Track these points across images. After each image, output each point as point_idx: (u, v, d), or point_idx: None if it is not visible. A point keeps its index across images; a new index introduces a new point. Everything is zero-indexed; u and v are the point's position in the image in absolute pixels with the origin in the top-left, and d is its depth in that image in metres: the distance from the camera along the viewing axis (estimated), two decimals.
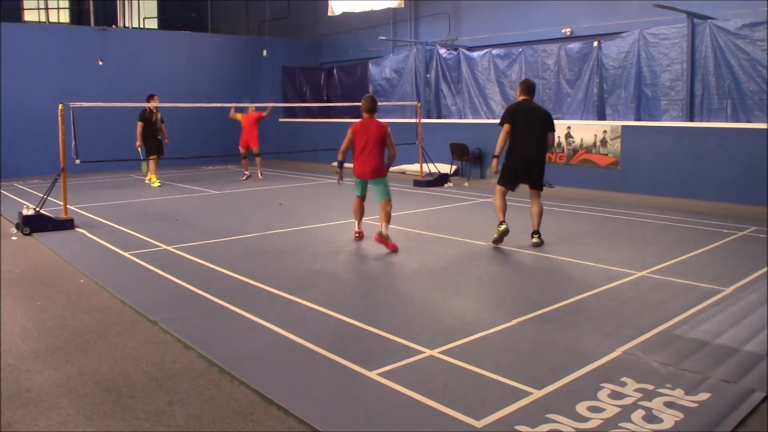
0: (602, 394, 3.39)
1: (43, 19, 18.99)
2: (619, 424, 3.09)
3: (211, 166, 17.37)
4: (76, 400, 3.42)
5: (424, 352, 3.99)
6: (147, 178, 13.26)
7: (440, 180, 12.80)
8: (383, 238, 6.85)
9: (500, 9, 14.92)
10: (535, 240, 7.18)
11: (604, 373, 3.67)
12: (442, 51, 15.71)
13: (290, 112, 19.85)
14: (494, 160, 7.27)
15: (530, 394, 3.40)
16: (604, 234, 7.82)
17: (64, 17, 21.08)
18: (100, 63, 16.20)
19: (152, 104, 12.18)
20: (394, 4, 16.30)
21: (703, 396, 3.38)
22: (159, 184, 12.87)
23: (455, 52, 15.44)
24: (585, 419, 3.13)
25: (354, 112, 17.12)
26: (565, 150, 12.50)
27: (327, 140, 17.13)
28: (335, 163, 7.89)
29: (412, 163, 14.27)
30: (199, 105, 13.16)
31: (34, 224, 8.05)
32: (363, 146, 6.91)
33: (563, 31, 13.75)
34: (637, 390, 3.44)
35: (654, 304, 4.99)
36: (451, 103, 15.71)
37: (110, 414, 3.27)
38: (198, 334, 4.39)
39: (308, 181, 14.00)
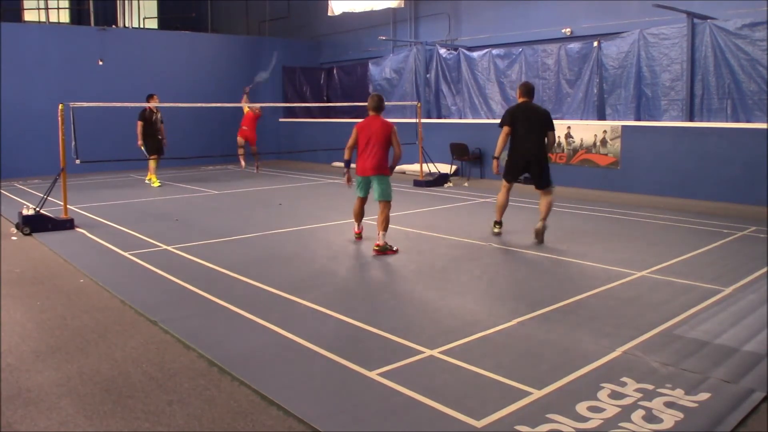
0: (602, 394, 3.39)
1: (43, 19, 18.99)
2: (619, 424, 3.09)
3: (211, 166, 17.37)
4: (76, 400, 3.42)
5: (424, 352, 3.99)
6: (147, 178, 13.26)
7: (440, 180, 12.80)
8: (382, 250, 6.68)
9: (500, 9, 14.92)
10: (539, 226, 7.29)
11: (604, 373, 3.67)
12: (442, 51, 15.71)
13: (290, 112, 19.85)
14: (494, 162, 7.54)
15: (530, 394, 3.40)
16: (604, 234, 7.82)
17: (64, 17, 21.08)
18: (100, 63, 16.20)
19: (152, 104, 12.18)
20: (394, 4, 16.30)
21: (703, 396, 3.38)
22: (159, 184, 12.87)
23: (455, 52, 15.44)
24: (585, 419, 3.13)
25: (354, 112, 17.17)
26: (565, 150, 12.50)
27: (327, 140, 17.16)
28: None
29: (412, 163, 14.27)
30: (199, 105, 13.16)
31: (34, 224, 8.05)
32: (366, 144, 6.83)
33: (563, 31, 13.75)
34: (637, 390, 3.44)
35: (654, 304, 4.99)
36: (451, 103, 15.71)
37: (110, 414, 3.27)
38: (198, 334, 4.39)
39: (308, 181, 14.00)
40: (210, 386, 3.59)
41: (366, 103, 7.12)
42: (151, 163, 12.84)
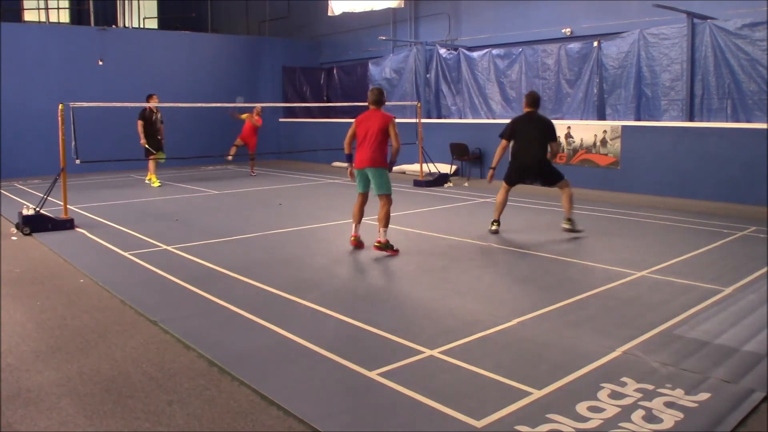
0: (602, 394, 3.39)
1: (43, 19, 18.99)
2: (619, 424, 3.09)
3: (211, 166, 17.37)
4: (76, 400, 3.42)
5: (424, 352, 3.99)
6: (147, 178, 13.26)
7: (440, 180, 12.80)
8: (383, 247, 6.65)
9: (500, 9, 14.92)
10: (566, 225, 7.70)
11: (604, 373, 3.67)
12: (442, 51, 15.71)
13: (290, 112, 19.85)
14: (491, 171, 7.85)
15: (530, 394, 3.40)
16: (604, 234, 7.82)
17: (64, 17, 21.09)
18: (100, 63, 16.20)
19: (152, 104, 12.18)
20: (394, 4, 16.30)
21: (703, 396, 3.38)
22: (159, 184, 12.87)
23: (455, 52, 15.44)
24: (585, 419, 3.13)
25: (354, 112, 17.09)
26: (565, 150, 12.50)
27: (327, 140, 17.16)
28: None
29: (412, 163, 14.27)
30: (199, 105, 13.18)
31: (34, 224, 8.05)
32: (363, 137, 6.74)
33: (563, 31, 13.75)
34: (637, 390, 3.44)
35: (654, 304, 4.99)
36: (451, 103, 15.71)
37: (110, 414, 3.27)
38: (198, 334, 4.39)
39: (308, 181, 14.01)
40: (210, 386, 3.59)
41: (366, 103, 7.08)
42: (151, 163, 12.84)
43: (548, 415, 3.16)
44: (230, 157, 14.98)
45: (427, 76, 16.09)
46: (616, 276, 5.80)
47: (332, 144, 16.13)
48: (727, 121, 10.68)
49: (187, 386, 3.58)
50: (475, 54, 14.84)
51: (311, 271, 6.14)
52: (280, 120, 19.67)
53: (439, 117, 15.99)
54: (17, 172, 14.53)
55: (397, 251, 6.72)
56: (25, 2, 19.68)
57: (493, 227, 7.76)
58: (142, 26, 21.35)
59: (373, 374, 3.67)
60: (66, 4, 20.82)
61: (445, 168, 13.73)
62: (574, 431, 3.03)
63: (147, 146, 12.33)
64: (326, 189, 12.69)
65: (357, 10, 17.00)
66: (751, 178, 9.83)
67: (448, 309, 4.92)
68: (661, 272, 5.93)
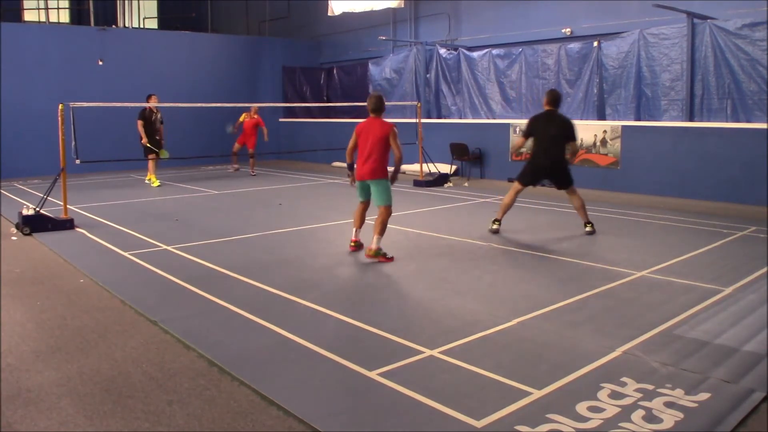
0: (602, 394, 3.39)
1: (43, 19, 18.99)
2: (619, 424, 3.09)
3: (211, 166, 17.36)
4: (76, 400, 3.42)
5: (424, 352, 3.99)
6: (147, 178, 13.26)
7: (440, 180, 12.80)
8: (375, 254, 6.41)
9: (500, 9, 14.92)
10: (588, 229, 7.71)
11: (604, 373, 3.67)
12: (442, 51, 15.71)
13: (290, 112, 19.85)
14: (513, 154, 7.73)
15: (530, 394, 3.40)
16: (604, 234, 7.81)
17: (64, 17, 21.09)
18: (100, 63, 16.20)
19: (151, 104, 12.17)
20: (394, 4, 16.30)
21: (703, 396, 3.38)
22: (159, 184, 12.87)
23: (455, 52, 15.44)
24: (585, 419, 3.13)
25: (354, 112, 17.16)
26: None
27: (327, 140, 17.19)
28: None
29: (412, 163, 14.27)
30: (199, 105, 13.18)
31: (34, 224, 8.04)
32: (363, 146, 6.61)
33: (563, 31, 13.75)
34: (637, 390, 3.44)
35: (654, 304, 4.99)
36: (451, 103, 15.71)
37: (110, 414, 3.27)
38: (198, 334, 4.39)
39: (308, 181, 14.01)
40: (210, 386, 3.59)
41: (366, 104, 6.93)
42: (151, 163, 12.85)
43: (548, 415, 3.16)
44: (236, 168, 15.29)
45: (427, 76, 16.09)
46: (616, 276, 5.80)
47: (332, 144, 16.16)
48: (727, 121, 10.68)
49: (187, 386, 3.58)
50: (475, 54, 14.84)
51: (311, 271, 6.14)
52: (280, 120, 19.65)
53: (439, 117, 15.99)
54: (17, 172, 14.53)
55: (391, 258, 6.47)
56: (25, 2, 19.67)
57: (494, 226, 7.76)
58: (142, 26, 21.35)
59: (373, 374, 3.67)
60: (66, 4, 20.81)
61: (445, 168, 13.73)
62: (574, 431, 3.03)
63: (148, 145, 12.33)
64: (326, 189, 12.69)
65: (357, 10, 16.99)
66: (751, 178, 9.83)
67: (448, 309, 4.92)
68: (661, 272, 5.93)
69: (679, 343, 4.14)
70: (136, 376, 3.72)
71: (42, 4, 18.95)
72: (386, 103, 7.01)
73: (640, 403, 3.30)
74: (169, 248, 7.11)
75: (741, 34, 10.39)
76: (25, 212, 8.18)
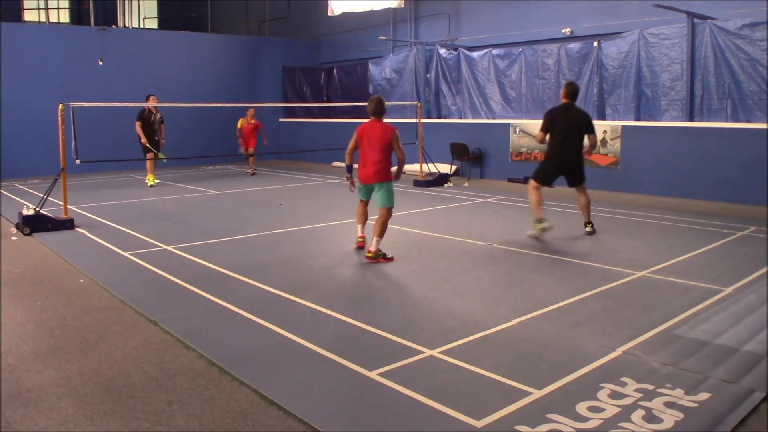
0: (602, 394, 3.39)
1: (43, 19, 18.99)
2: (619, 424, 3.09)
3: (211, 166, 17.37)
4: (76, 400, 3.42)
5: (424, 352, 3.99)
6: (147, 178, 13.23)
7: (440, 180, 12.80)
8: (375, 257, 6.39)
9: (500, 9, 14.92)
10: (588, 229, 7.62)
11: (604, 373, 3.67)
12: (442, 51, 15.71)
13: (290, 112, 19.85)
14: (539, 136, 7.61)
15: (530, 394, 3.40)
16: (604, 234, 7.81)
17: (64, 17, 21.09)
18: (100, 63, 16.20)
19: (150, 104, 12.16)
20: (394, 4, 16.30)
21: (703, 396, 3.38)
22: (153, 183, 12.85)
23: (455, 52, 15.44)
24: (585, 419, 3.13)
25: (354, 112, 17.18)
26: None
27: (327, 140, 17.18)
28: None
29: (412, 163, 14.25)
30: (199, 105, 13.18)
31: (34, 224, 8.05)
32: (365, 150, 6.57)
33: (563, 31, 13.75)
34: (637, 390, 3.44)
35: (654, 304, 4.99)
36: (451, 103, 15.71)
37: (110, 414, 3.27)
38: (198, 334, 4.39)
39: (308, 181, 14.01)
40: (210, 386, 3.59)
41: (366, 104, 6.91)
42: (148, 163, 12.87)
43: (548, 415, 3.16)
44: (253, 170, 15.34)
45: (427, 76, 16.09)
46: (616, 276, 5.80)
47: (332, 144, 16.15)
48: (727, 121, 10.68)
49: (187, 386, 3.58)
50: (475, 54, 14.85)
51: (311, 271, 6.14)
52: (280, 120, 19.67)
53: (439, 117, 15.99)
54: (17, 172, 14.53)
55: (391, 258, 6.46)
56: (25, 2, 19.68)
57: (544, 225, 7.22)
58: (142, 26, 21.35)
59: (373, 374, 3.67)
60: (66, 4, 20.82)
61: (445, 168, 13.73)
62: (574, 431, 3.03)
63: (147, 145, 12.33)
64: (326, 189, 12.69)
65: (357, 10, 17.00)
66: (751, 178, 9.83)
67: (448, 309, 4.92)
68: (661, 272, 5.93)
69: (679, 343, 4.14)
70: (136, 376, 3.72)
71: (42, 4, 18.96)
72: (386, 103, 6.98)
73: (640, 403, 3.30)
74: (169, 248, 7.11)
75: (741, 34, 10.39)
76: (25, 212, 8.18)
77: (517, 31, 14.56)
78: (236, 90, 18.36)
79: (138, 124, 12.33)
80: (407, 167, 14.45)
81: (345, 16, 17.60)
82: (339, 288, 5.69)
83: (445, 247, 7.13)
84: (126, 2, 20.26)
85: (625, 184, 11.53)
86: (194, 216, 9.46)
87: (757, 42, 10.22)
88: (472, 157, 13.97)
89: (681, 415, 3.17)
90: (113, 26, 18.45)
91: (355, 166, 6.88)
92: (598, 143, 7.54)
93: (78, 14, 21.13)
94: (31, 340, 4.35)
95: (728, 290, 5.32)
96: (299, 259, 6.64)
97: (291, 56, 19.94)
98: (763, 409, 3.29)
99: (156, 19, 22.74)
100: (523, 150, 13.30)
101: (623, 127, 11.66)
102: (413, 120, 14.25)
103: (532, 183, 7.53)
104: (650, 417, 3.16)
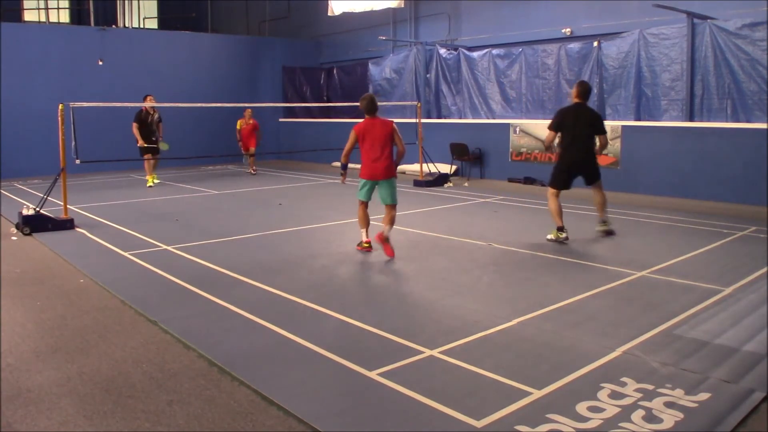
0: (602, 394, 3.39)
1: (43, 19, 19.00)
2: (619, 424, 3.09)
3: (211, 166, 17.38)
4: (76, 400, 3.42)
5: (424, 352, 3.99)
6: (147, 178, 13.21)
7: (440, 180, 12.80)
8: (384, 240, 6.58)
9: (500, 9, 14.92)
10: (603, 228, 7.51)
11: (604, 373, 3.67)
12: (442, 51, 15.71)
13: (290, 112, 19.86)
14: (550, 135, 7.48)
15: (530, 394, 3.40)
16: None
17: (64, 17, 21.10)
18: (100, 63, 16.20)
19: (148, 104, 12.14)
20: (394, 4, 16.31)
21: (703, 396, 3.38)
22: (152, 184, 12.85)
23: (455, 52, 15.44)
24: (585, 419, 3.13)
25: (354, 112, 17.15)
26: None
27: (327, 140, 17.16)
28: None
29: (412, 163, 14.26)
30: (199, 105, 13.19)
31: (34, 224, 8.05)
32: (370, 147, 6.58)
33: (563, 31, 13.75)
34: (637, 390, 3.44)
35: (654, 304, 4.99)
36: (451, 103, 15.71)
37: (110, 414, 3.27)
38: (198, 334, 4.39)
39: (308, 181, 14.01)
40: (210, 386, 3.59)
41: (359, 105, 6.84)
42: (147, 164, 12.87)
43: (548, 415, 3.16)
44: (254, 169, 15.48)
45: (427, 76, 16.09)
46: (616, 276, 5.80)
47: (332, 144, 16.13)
48: (727, 121, 10.68)
49: (187, 386, 3.58)
50: (475, 54, 14.85)
51: (311, 271, 6.14)
52: (280, 120, 19.67)
53: (439, 117, 15.99)
54: (17, 172, 14.53)
55: (393, 254, 6.56)
56: (25, 2, 19.68)
57: (562, 235, 7.18)
58: (142, 26, 21.35)
59: (373, 374, 3.67)
60: (66, 4, 20.82)
61: (445, 168, 13.72)
62: (574, 431, 3.03)
63: (145, 146, 12.33)
64: (326, 189, 12.69)
65: (357, 10, 17.00)
66: (751, 178, 9.83)
67: (448, 309, 4.92)
68: (661, 272, 5.93)
69: (679, 343, 4.14)
70: (136, 376, 3.72)
71: (42, 4, 18.97)
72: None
73: (640, 403, 3.30)
74: (169, 248, 7.11)
75: (741, 34, 10.39)
76: (25, 212, 8.18)
77: (517, 31, 14.56)
78: (236, 90, 18.37)
79: (135, 125, 12.32)
80: (407, 167, 14.48)
81: (345, 16, 17.60)
82: (339, 288, 5.69)
83: (445, 247, 7.13)
84: (126, 2, 20.27)
85: (625, 184, 11.52)
86: (194, 216, 9.46)
87: (757, 42, 10.22)
88: (472, 157, 13.97)
89: (681, 415, 3.17)
90: (113, 26, 18.45)
91: (354, 165, 6.90)
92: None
93: (78, 14, 21.13)
94: (31, 340, 4.35)
95: (728, 290, 5.32)
96: (299, 259, 6.64)
97: (291, 56, 19.94)
98: (763, 409, 3.29)
99: (156, 19, 22.75)
100: (523, 150, 13.30)
101: (623, 127, 11.65)
102: (413, 120, 14.25)
103: (550, 191, 7.44)
104: (650, 417, 3.16)
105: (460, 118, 15.38)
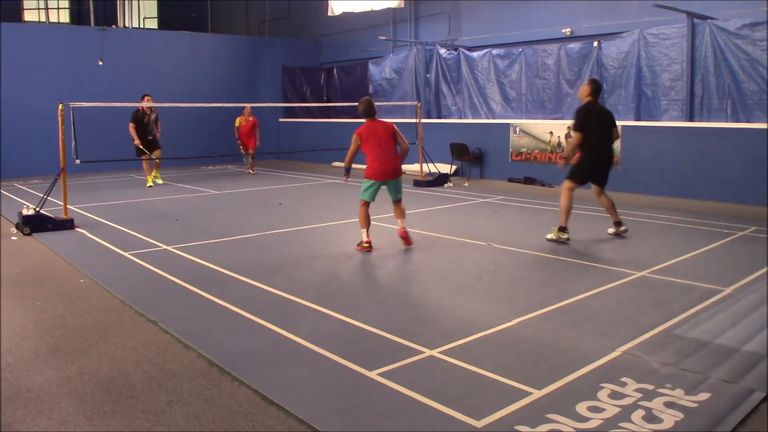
0: (602, 394, 3.39)
1: (43, 19, 19.01)
2: (619, 424, 3.09)
3: (211, 166, 17.38)
4: (76, 400, 3.42)
5: (424, 352, 3.99)
6: (147, 181, 13.17)
7: (440, 180, 12.80)
8: (406, 233, 7.03)
9: (500, 9, 14.92)
10: (623, 228, 7.56)
11: (604, 373, 3.67)
12: (442, 51, 15.72)
13: (290, 112, 19.86)
14: (563, 161, 7.58)
15: (530, 394, 3.40)
16: (604, 234, 7.81)
17: (64, 17, 21.10)
18: (100, 63, 16.20)
19: (145, 104, 12.12)
20: (394, 4, 16.31)
21: (703, 396, 3.38)
22: (151, 183, 12.85)
23: (455, 52, 15.44)
24: (585, 419, 3.13)
25: (354, 112, 17.11)
26: (565, 150, 12.50)
27: (327, 140, 17.18)
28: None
29: (412, 163, 14.26)
30: (199, 105, 13.18)
31: (34, 224, 8.05)
32: (376, 149, 6.79)
33: (563, 31, 13.75)
34: (637, 390, 3.44)
35: (654, 304, 4.99)
36: (451, 103, 15.71)
37: (110, 414, 3.27)
38: (198, 334, 4.39)
39: (308, 181, 14.01)
40: (210, 386, 3.59)
41: (359, 108, 7.01)
42: (145, 164, 12.87)
43: (548, 415, 3.16)
44: (253, 170, 15.55)
45: (427, 76, 16.09)
46: (616, 276, 5.80)
47: (332, 144, 16.15)
48: (727, 121, 10.68)
49: (187, 386, 3.58)
50: (475, 54, 14.85)
51: (311, 271, 6.14)
52: (280, 120, 19.67)
53: (439, 117, 15.99)
54: (17, 172, 14.53)
55: (411, 242, 7.06)
56: (25, 2, 19.69)
57: (564, 236, 7.20)
58: (142, 26, 21.36)
59: (373, 374, 3.67)
60: (66, 4, 20.83)
61: (445, 168, 13.73)
62: (574, 431, 3.03)
63: (141, 146, 12.31)
64: (326, 189, 12.69)
65: (357, 10, 17.00)
66: (751, 178, 9.83)
67: (448, 309, 4.92)
68: (661, 272, 5.93)
69: (679, 343, 4.14)
70: (136, 376, 3.72)
71: (42, 4, 18.97)
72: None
73: (640, 403, 3.30)
74: (169, 248, 7.11)
75: (741, 34, 10.39)
76: (25, 212, 8.18)
77: (517, 31, 14.56)
78: (236, 90, 18.37)
79: (132, 125, 12.30)
80: (407, 167, 14.44)
81: (345, 16, 17.60)
82: (339, 288, 5.69)
83: (445, 247, 7.13)
84: (126, 2, 20.27)
85: (625, 184, 11.52)
86: (194, 216, 9.46)
87: (757, 42, 10.22)
88: (472, 157, 13.97)
89: (681, 415, 3.17)
90: (113, 26, 18.45)
91: (357, 165, 6.96)
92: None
93: (78, 14, 21.13)
94: (31, 340, 4.35)
95: (728, 290, 5.32)
96: (299, 259, 6.64)
97: (291, 56, 19.95)
98: (763, 409, 3.29)
99: (156, 19, 22.75)
100: (523, 150, 13.30)
101: (623, 127, 11.61)
102: (413, 120, 14.25)
103: (568, 184, 7.34)
104: (650, 417, 3.16)
105: (460, 118, 15.38)
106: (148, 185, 12.77)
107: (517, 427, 3.05)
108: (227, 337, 4.35)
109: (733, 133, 10.29)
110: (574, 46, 12.87)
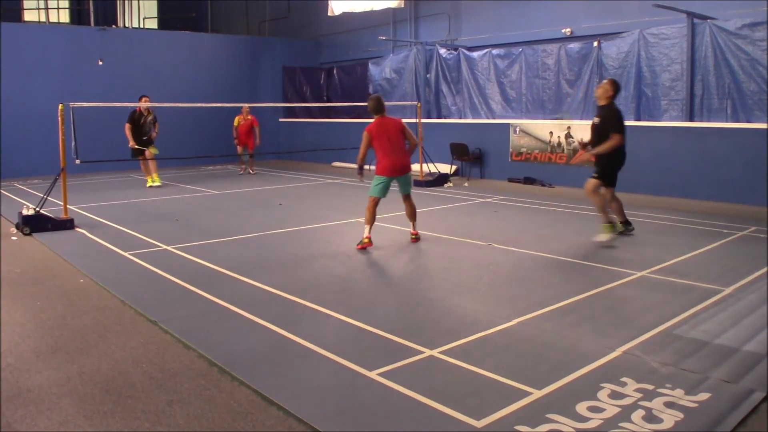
0: (602, 394, 3.39)
1: (43, 19, 19.01)
2: (619, 424, 3.09)
3: (211, 166, 17.37)
4: (76, 400, 3.42)
5: (424, 352, 3.99)
6: (148, 182, 13.15)
7: (440, 180, 12.80)
8: (418, 238, 7.29)
9: (500, 9, 14.92)
10: (630, 228, 7.65)
11: (604, 373, 3.67)
12: (442, 51, 15.71)
13: (290, 112, 19.86)
14: (587, 155, 7.45)
15: (530, 394, 3.40)
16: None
17: (64, 17, 21.10)
18: (100, 63, 16.20)
19: (143, 104, 12.11)
20: (394, 4, 16.31)
21: (703, 396, 3.38)
22: (152, 183, 12.84)
23: (455, 52, 15.44)
24: (585, 419, 3.13)
25: (354, 112, 17.16)
26: (565, 150, 12.50)
27: (327, 140, 17.18)
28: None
29: (412, 162, 14.24)
30: (199, 105, 13.17)
31: (34, 224, 8.05)
32: (387, 145, 6.91)
33: (563, 31, 13.75)
34: (637, 390, 3.44)
35: (654, 304, 4.99)
36: (451, 103, 15.71)
37: (110, 414, 3.27)
38: (198, 334, 4.39)
39: (308, 181, 14.01)
40: (210, 386, 3.59)
41: (366, 104, 7.14)
42: (143, 164, 12.86)
43: (548, 415, 3.16)
44: (243, 168, 15.61)
45: (427, 76, 16.09)
46: (616, 276, 5.80)
47: (332, 144, 16.15)
48: (727, 121, 10.67)
49: (187, 386, 3.58)
50: (475, 54, 14.84)
51: (311, 271, 6.14)
52: (280, 120, 19.67)
53: (439, 117, 15.99)
54: (17, 172, 14.53)
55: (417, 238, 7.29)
56: (25, 2, 19.69)
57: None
58: (142, 26, 21.36)
59: (373, 374, 3.67)
60: (66, 4, 20.82)
61: (445, 168, 13.73)
62: (574, 431, 3.03)
63: (136, 147, 12.28)
64: (326, 189, 12.69)
65: (357, 10, 17.00)
66: (751, 178, 9.83)
67: (448, 309, 4.92)
68: (661, 272, 5.93)
69: (679, 343, 4.14)
70: (136, 376, 3.72)
71: (42, 4, 18.97)
72: (386, 103, 7.28)
73: (640, 403, 3.30)
74: (169, 248, 7.11)
75: (741, 34, 10.39)
76: (25, 212, 8.18)
77: (517, 31, 14.56)
78: (236, 90, 18.37)
79: (128, 126, 12.26)
80: None
81: (345, 16, 17.60)
82: (339, 288, 5.69)
83: (446, 247, 7.13)
84: (126, 2, 20.27)
85: (625, 184, 11.45)
86: (194, 216, 9.46)
87: (757, 42, 10.21)
88: (472, 157, 13.97)
89: (681, 415, 3.17)
90: (113, 26, 18.46)
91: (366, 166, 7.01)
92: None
93: (78, 14, 21.13)
94: (31, 340, 4.35)
95: (728, 290, 5.32)
96: (299, 259, 6.64)
97: (291, 56, 19.95)
98: (763, 409, 3.29)
99: (156, 19, 22.75)
100: (523, 150, 13.30)
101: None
102: (413, 120, 14.23)
103: (594, 183, 7.19)
104: (650, 417, 3.16)
105: (460, 118, 15.38)
106: (148, 185, 12.77)
107: (517, 427, 3.05)
108: (227, 337, 4.35)
109: (733, 133, 10.29)
110: (574, 46, 12.87)
